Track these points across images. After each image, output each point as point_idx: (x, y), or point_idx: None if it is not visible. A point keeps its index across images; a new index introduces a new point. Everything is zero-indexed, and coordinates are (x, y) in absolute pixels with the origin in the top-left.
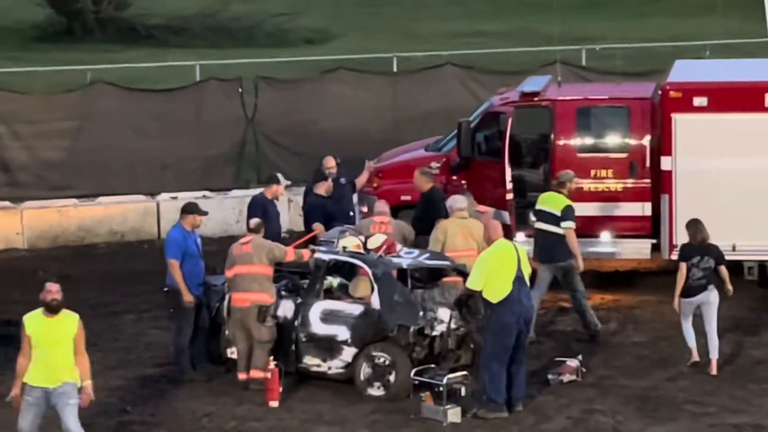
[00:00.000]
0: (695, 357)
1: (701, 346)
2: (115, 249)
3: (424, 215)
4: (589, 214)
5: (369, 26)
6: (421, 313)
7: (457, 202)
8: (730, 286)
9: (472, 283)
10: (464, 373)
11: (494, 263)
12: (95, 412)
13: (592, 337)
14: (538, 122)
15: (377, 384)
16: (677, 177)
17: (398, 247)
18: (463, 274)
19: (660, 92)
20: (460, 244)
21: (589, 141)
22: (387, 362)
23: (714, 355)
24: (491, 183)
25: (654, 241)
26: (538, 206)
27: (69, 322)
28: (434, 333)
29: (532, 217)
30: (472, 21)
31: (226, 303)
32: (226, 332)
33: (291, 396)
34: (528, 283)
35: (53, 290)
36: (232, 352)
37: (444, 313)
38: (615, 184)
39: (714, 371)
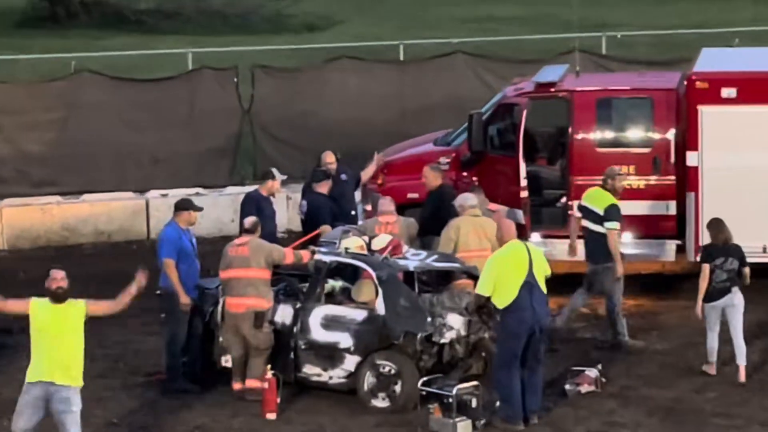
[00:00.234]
0: (713, 371)
1: (727, 352)
2: (101, 250)
3: (434, 214)
4: None
5: (374, 11)
6: (429, 319)
7: (468, 199)
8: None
9: (481, 288)
10: (475, 383)
11: (503, 266)
12: (80, 424)
13: (615, 344)
14: (555, 115)
15: (382, 395)
16: (704, 174)
17: (405, 248)
18: (474, 277)
19: (685, 83)
20: (473, 244)
21: (609, 135)
22: (392, 371)
23: (742, 361)
24: (504, 179)
25: (679, 242)
26: (582, 201)
27: (76, 311)
28: (443, 340)
29: (577, 213)
30: (484, 6)
31: (220, 308)
32: (220, 339)
33: (290, 407)
34: (543, 287)
35: (58, 277)
36: (226, 361)
37: (454, 319)
38: (637, 181)
39: (743, 378)
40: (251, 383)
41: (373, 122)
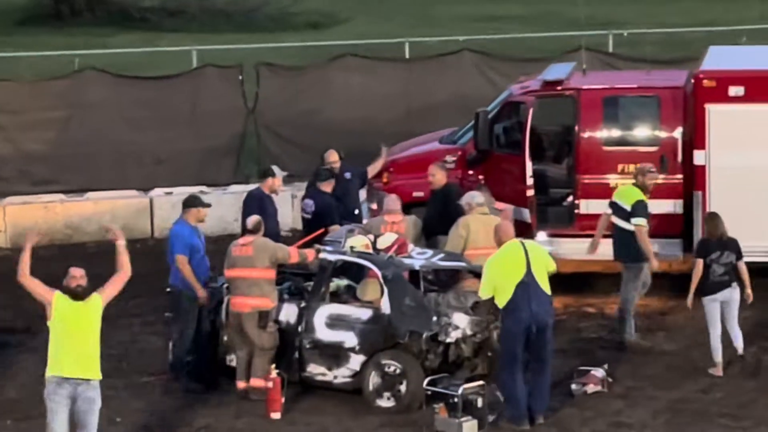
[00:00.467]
0: (719, 371)
1: (732, 352)
2: (104, 248)
3: (441, 213)
4: None
5: (379, 9)
6: (434, 319)
7: (475, 197)
8: (749, 290)
9: (481, 291)
10: (481, 382)
11: (499, 267)
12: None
13: (620, 344)
14: (561, 113)
15: (387, 394)
16: (711, 172)
17: (410, 247)
18: (480, 276)
19: (693, 81)
20: (482, 241)
21: (616, 133)
22: (397, 371)
23: (740, 346)
24: (510, 178)
25: (686, 241)
26: (612, 198)
27: (95, 306)
28: (449, 340)
29: (608, 210)
30: (490, 4)
31: (224, 307)
32: (225, 338)
33: (294, 407)
34: (544, 285)
35: (77, 275)
36: (230, 360)
37: (459, 319)
38: None
39: (740, 351)
40: (255, 383)
41: (378, 121)
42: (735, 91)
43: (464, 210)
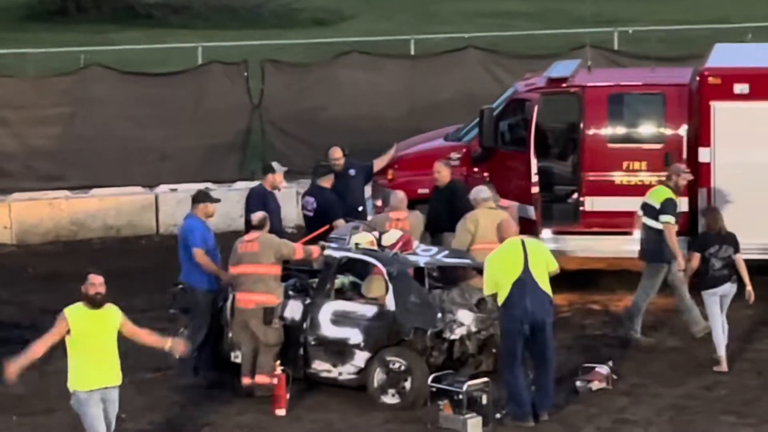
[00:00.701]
0: (724, 366)
1: (735, 349)
2: (110, 245)
3: (449, 209)
4: (621, 209)
5: (384, 6)
6: (439, 315)
7: (482, 192)
8: (750, 287)
9: (485, 287)
10: (485, 379)
11: (497, 264)
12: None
13: (625, 340)
14: (567, 110)
15: (392, 391)
16: (716, 170)
17: (415, 243)
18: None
19: (698, 78)
20: (491, 236)
21: (621, 130)
22: (402, 368)
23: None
24: (515, 175)
25: (692, 238)
26: (644, 199)
27: (113, 317)
28: (453, 336)
29: (639, 211)
30: (495, 0)
31: (229, 303)
32: (230, 335)
33: (299, 404)
34: (543, 284)
35: (97, 283)
36: (235, 356)
37: (464, 316)
38: (649, 177)
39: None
40: (260, 379)
41: (383, 117)
42: (740, 88)
43: (473, 204)
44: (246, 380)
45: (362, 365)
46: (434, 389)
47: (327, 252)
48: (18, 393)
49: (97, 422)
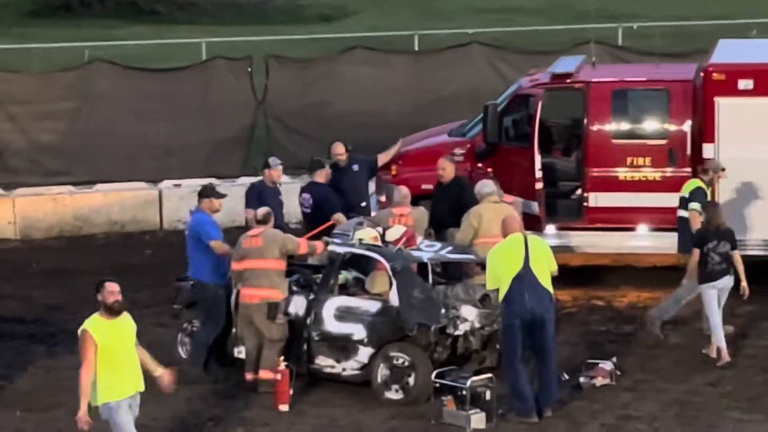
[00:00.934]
0: (726, 358)
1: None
2: (114, 240)
3: (455, 205)
4: (624, 204)
5: (389, 2)
6: (443, 311)
7: (486, 186)
8: (745, 282)
9: (487, 283)
10: (489, 375)
11: (498, 259)
12: (93, 416)
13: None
14: (571, 106)
15: (395, 387)
16: None
17: (419, 239)
18: None
19: (702, 74)
20: (495, 230)
21: (625, 126)
22: (406, 363)
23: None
24: (519, 171)
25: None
26: (680, 194)
27: (129, 321)
28: (457, 332)
29: (679, 211)
30: None
31: (233, 298)
32: (234, 330)
33: (302, 399)
34: (544, 281)
35: (115, 291)
36: (239, 352)
37: (468, 311)
38: (653, 173)
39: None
40: (264, 374)
41: (388, 113)
42: (744, 84)
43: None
44: (249, 375)
45: (366, 361)
46: (438, 385)
47: (331, 247)
48: (22, 388)
49: (129, 429)
